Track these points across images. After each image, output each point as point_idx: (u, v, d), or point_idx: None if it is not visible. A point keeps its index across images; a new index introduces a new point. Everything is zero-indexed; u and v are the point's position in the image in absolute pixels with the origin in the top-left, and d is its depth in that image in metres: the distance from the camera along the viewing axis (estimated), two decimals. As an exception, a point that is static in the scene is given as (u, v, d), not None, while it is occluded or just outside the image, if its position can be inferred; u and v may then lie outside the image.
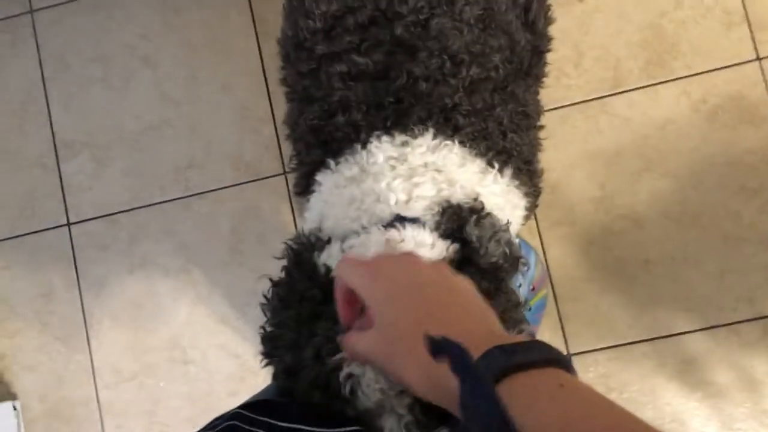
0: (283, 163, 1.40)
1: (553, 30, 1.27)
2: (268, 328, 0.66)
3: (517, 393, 0.40)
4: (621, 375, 1.29)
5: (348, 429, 0.53)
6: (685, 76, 1.31)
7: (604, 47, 1.34)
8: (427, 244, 0.64)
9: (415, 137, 0.72)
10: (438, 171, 0.72)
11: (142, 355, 1.40)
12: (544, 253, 1.32)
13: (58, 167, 1.45)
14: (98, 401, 1.40)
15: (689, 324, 1.27)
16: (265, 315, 0.67)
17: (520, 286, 1.22)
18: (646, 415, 1.13)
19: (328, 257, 0.66)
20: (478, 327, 0.48)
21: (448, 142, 0.73)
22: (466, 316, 0.49)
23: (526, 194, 0.82)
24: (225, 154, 1.42)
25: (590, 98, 1.34)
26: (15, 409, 1.36)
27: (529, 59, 0.82)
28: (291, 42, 0.81)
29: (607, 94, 1.33)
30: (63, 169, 1.45)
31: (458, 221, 0.67)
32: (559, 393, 0.40)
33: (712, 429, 1.26)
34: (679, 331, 1.27)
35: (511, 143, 0.78)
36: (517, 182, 0.79)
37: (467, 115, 0.74)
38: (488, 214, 0.70)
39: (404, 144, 0.72)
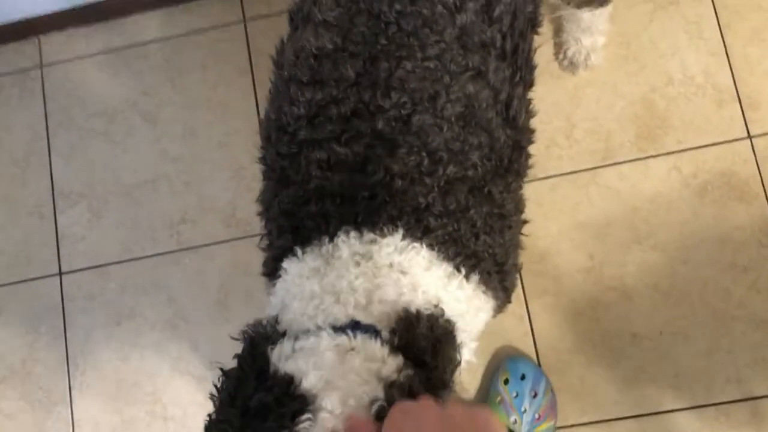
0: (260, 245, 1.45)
1: (546, 102, 1.34)
2: (214, 418, 0.67)
3: None
4: (606, 452, 1.29)
5: None
6: (676, 151, 1.36)
7: (596, 120, 1.39)
8: (378, 358, 0.66)
9: (383, 236, 0.74)
10: (402, 273, 0.74)
11: (122, 408, 1.43)
12: (530, 323, 1.34)
13: (54, 217, 1.52)
14: (75, 455, 1.42)
15: (676, 402, 1.28)
16: (214, 405, 0.69)
17: (524, 412, 1.25)
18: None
19: (280, 356, 0.67)
20: None
21: (416, 244, 0.75)
22: None
23: (495, 297, 0.84)
24: (218, 210, 1.48)
25: (581, 169, 1.38)
26: (-9, 458, 1.39)
27: (509, 155, 0.84)
28: (274, 124, 0.85)
29: (598, 165, 1.38)
30: (59, 219, 1.52)
31: (412, 334, 0.68)
32: None
33: None
34: (666, 409, 1.28)
35: (483, 246, 0.80)
36: (483, 287, 0.80)
37: (439, 216, 0.76)
38: (446, 320, 0.72)
39: (372, 242, 0.75)
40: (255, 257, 1.44)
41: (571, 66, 1.39)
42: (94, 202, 1.52)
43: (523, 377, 1.28)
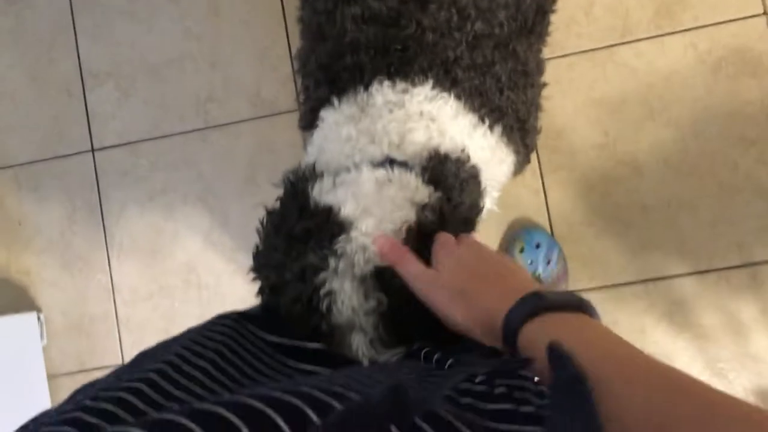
0: (298, 100, 1.51)
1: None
2: (261, 248, 0.75)
3: (549, 324, 0.52)
4: (612, 314, 1.40)
5: (312, 344, 0.63)
6: (692, 28, 1.39)
7: (615, -3, 1.42)
8: (412, 187, 0.73)
9: (414, 86, 0.80)
10: (432, 120, 0.80)
11: (158, 277, 1.54)
12: (545, 196, 1.42)
13: (84, 95, 1.57)
14: (116, 317, 1.54)
15: (681, 268, 1.38)
16: (259, 238, 0.76)
17: (538, 277, 1.33)
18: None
19: (320, 191, 0.74)
20: (518, 284, 0.60)
21: (445, 94, 0.81)
22: (511, 276, 0.62)
23: (516, 151, 0.90)
24: (243, 89, 1.53)
25: (598, 47, 1.42)
26: (39, 319, 1.51)
27: (533, 17, 0.89)
28: None
29: (615, 43, 1.42)
30: (88, 97, 1.57)
31: (443, 170, 0.75)
32: (585, 327, 0.51)
33: (697, 368, 1.37)
34: (670, 274, 1.38)
35: (506, 101, 0.86)
36: (506, 140, 0.87)
37: (466, 69, 0.82)
38: (472, 166, 0.78)
39: (404, 91, 0.81)
40: (280, 135, 1.52)
41: (594, -58, 1.40)
42: (121, 81, 1.57)
43: (537, 245, 1.37)
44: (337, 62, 0.85)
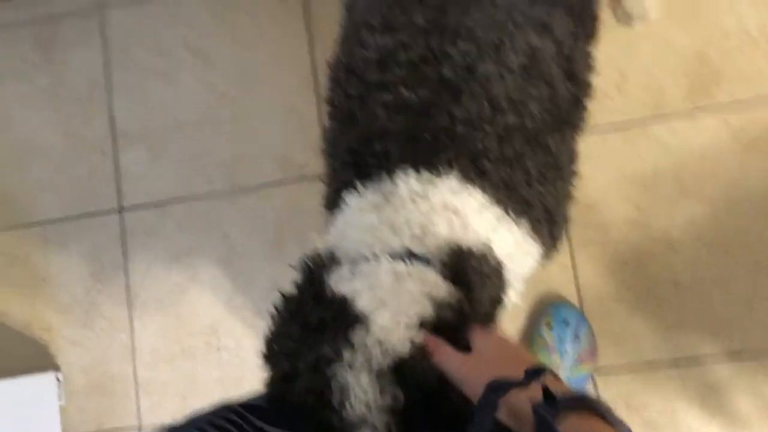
0: (323, 179, 1.52)
1: (599, 53, 1.36)
2: (273, 334, 0.75)
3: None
4: (643, 395, 1.37)
5: None
6: (727, 105, 1.39)
7: (649, 72, 1.43)
8: (431, 282, 0.73)
9: (440, 177, 0.80)
10: (455, 213, 0.80)
11: (180, 339, 1.54)
12: (575, 271, 1.41)
13: (115, 154, 1.61)
14: (136, 379, 1.53)
15: (715, 348, 1.35)
16: (272, 322, 0.76)
17: (565, 354, 1.32)
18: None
19: (337, 279, 0.74)
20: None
21: (470, 186, 0.81)
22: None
23: (543, 244, 0.89)
24: (273, 152, 1.56)
25: (631, 122, 1.43)
26: (58, 380, 1.51)
27: (567, 109, 0.89)
28: (343, 66, 0.91)
29: (649, 118, 1.42)
30: (120, 156, 1.61)
31: (464, 266, 0.75)
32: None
33: (731, 456, 1.33)
34: (703, 355, 1.35)
35: (534, 194, 0.85)
36: (532, 233, 0.86)
37: (495, 161, 0.82)
38: (495, 260, 0.78)
39: (429, 182, 0.81)
40: (307, 198, 1.53)
41: (627, 18, 1.42)
42: (152, 141, 1.60)
43: (566, 322, 1.36)
44: (365, 147, 0.85)
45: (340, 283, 0.74)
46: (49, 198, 1.61)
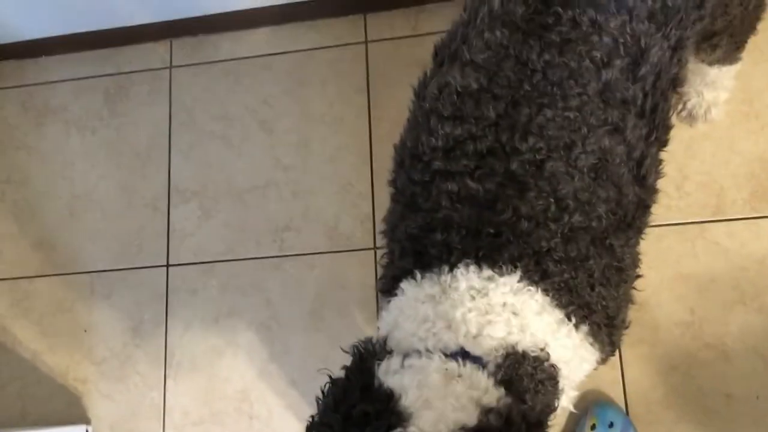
0: (374, 239, 1.52)
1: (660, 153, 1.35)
2: (315, 419, 0.73)
3: None
4: None
5: None
6: (791, 214, 1.36)
7: (709, 174, 1.41)
8: (482, 388, 0.70)
9: (501, 275, 0.78)
10: (514, 314, 0.77)
11: (211, 402, 1.52)
12: (622, 371, 1.36)
13: (168, 211, 1.63)
14: (164, 440, 1.51)
15: (767, 470, 1.28)
16: (318, 408, 0.74)
17: None
18: None
19: (387, 371, 0.73)
20: None
21: (532, 288, 0.78)
22: None
23: (600, 350, 0.86)
24: (322, 222, 1.56)
25: (689, 221, 1.40)
26: (87, 433, 1.50)
27: (633, 212, 0.86)
28: (409, 151, 0.90)
29: (708, 220, 1.39)
30: (172, 213, 1.63)
31: (518, 371, 0.72)
32: None
33: None
34: (755, 476, 1.28)
35: (596, 297, 0.82)
36: (591, 339, 0.83)
37: (559, 262, 0.79)
38: (550, 365, 0.76)
39: (490, 279, 0.78)
40: (352, 272, 1.52)
41: (690, 118, 1.41)
42: (206, 201, 1.62)
43: (611, 425, 1.30)
44: (426, 236, 0.83)
45: (389, 374, 0.72)
46: (99, 249, 1.63)
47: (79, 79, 1.75)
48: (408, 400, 0.68)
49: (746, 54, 1.24)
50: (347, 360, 0.78)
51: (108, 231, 1.64)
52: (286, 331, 1.53)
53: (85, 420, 1.53)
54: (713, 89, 1.35)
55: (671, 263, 1.39)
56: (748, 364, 1.32)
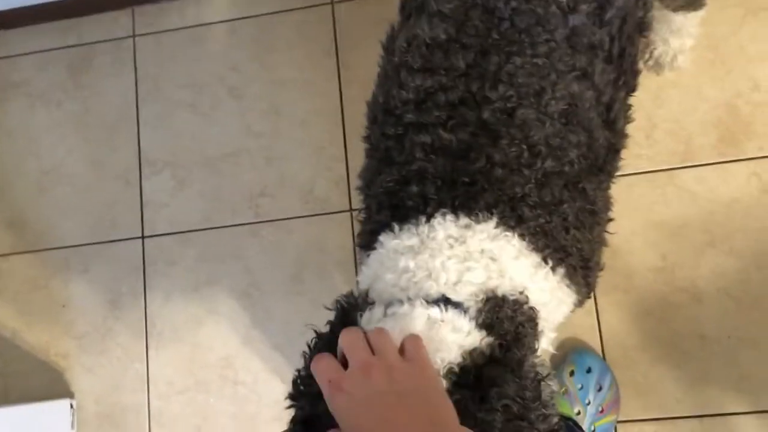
0: (350, 200, 1.52)
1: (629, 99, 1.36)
2: (302, 373, 0.73)
3: None
4: (666, 449, 1.33)
5: None
6: (757, 158, 1.38)
7: (677, 121, 1.42)
8: (464, 331, 0.71)
9: (478, 222, 0.79)
10: (492, 259, 0.78)
11: (195, 371, 1.52)
12: (598, 317, 1.39)
13: (140, 183, 1.61)
14: (149, 410, 1.51)
15: (740, 405, 1.31)
16: (304, 362, 0.74)
17: (588, 404, 1.30)
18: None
19: (369, 320, 0.73)
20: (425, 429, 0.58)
21: (509, 233, 0.79)
22: (413, 421, 0.60)
23: (577, 291, 0.88)
24: (297, 186, 1.55)
25: (659, 169, 1.42)
26: (72, 407, 1.49)
27: (604, 156, 0.88)
28: (381, 107, 0.89)
29: (677, 166, 1.41)
30: (144, 185, 1.61)
31: (498, 314, 0.74)
32: None
33: None
34: (729, 412, 1.31)
35: (571, 240, 0.83)
36: (567, 281, 0.84)
37: (534, 207, 0.80)
38: (529, 308, 0.77)
39: (467, 227, 0.79)
40: (330, 234, 1.52)
41: (657, 66, 1.42)
42: (178, 171, 1.60)
43: (588, 370, 1.33)
44: (402, 188, 0.84)
45: (372, 324, 0.73)
46: (72, 224, 1.61)
47: (41, 51, 1.71)
48: None
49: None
50: (330, 320, 0.79)
51: (80, 205, 1.62)
52: (267, 296, 1.53)
53: (68, 394, 1.52)
54: (679, 36, 1.36)
55: (643, 211, 1.41)
56: (720, 305, 1.35)
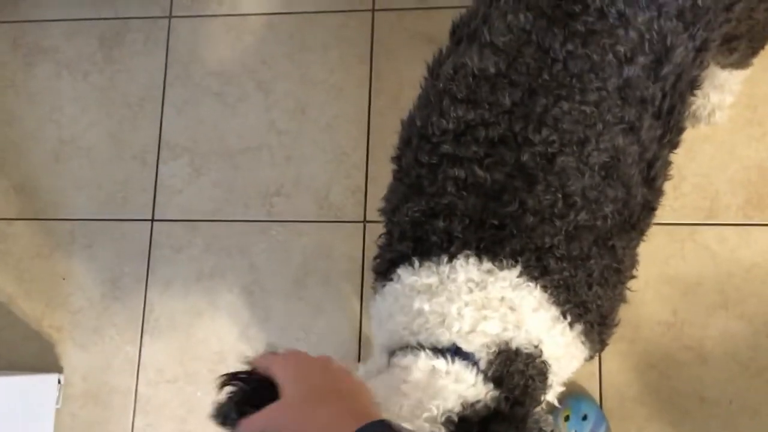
0: (365, 212, 1.48)
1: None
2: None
3: None
4: (651, 507, 1.30)
5: None
6: (783, 225, 1.34)
7: (706, 176, 1.39)
8: (468, 383, 0.70)
9: (501, 269, 0.76)
10: (511, 309, 0.75)
11: (187, 362, 1.49)
12: (600, 364, 1.35)
13: (156, 165, 1.57)
14: (136, 395, 1.48)
15: (733, 474, 1.28)
16: None
17: None
18: None
19: (371, 369, 0.75)
20: (351, 406, 0.59)
21: (531, 283, 0.76)
22: (341, 399, 0.60)
23: (591, 348, 0.85)
24: (313, 189, 1.52)
25: (681, 222, 1.38)
26: (59, 382, 1.46)
27: (638, 214, 0.85)
28: (418, 131, 0.86)
29: (700, 222, 1.38)
30: (161, 168, 1.57)
31: (509, 368, 0.72)
32: None
33: None
34: (721, 479, 1.28)
35: (593, 297, 0.81)
36: (583, 338, 0.82)
37: (560, 259, 0.77)
38: (542, 361, 0.75)
39: (489, 272, 0.76)
40: (339, 243, 1.49)
41: (693, 119, 1.38)
42: (196, 159, 1.57)
43: (584, 417, 1.29)
44: (428, 221, 0.81)
45: (374, 374, 0.74)
46: (84, 198, 1.58)
47: (74, 20, 1.68)
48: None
49: (756, 59, 1.21)
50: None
51: (93, 180, 1.59)
52: (268, 296, 1.49)
53: (57, 369, 1.49)
54: (720, 92, 1.32)
55: (659, 263, 1.38)
56: (725, 369, 1.32)
